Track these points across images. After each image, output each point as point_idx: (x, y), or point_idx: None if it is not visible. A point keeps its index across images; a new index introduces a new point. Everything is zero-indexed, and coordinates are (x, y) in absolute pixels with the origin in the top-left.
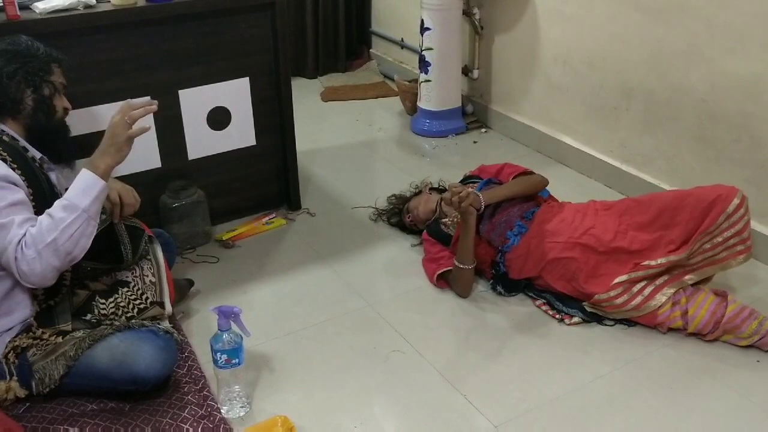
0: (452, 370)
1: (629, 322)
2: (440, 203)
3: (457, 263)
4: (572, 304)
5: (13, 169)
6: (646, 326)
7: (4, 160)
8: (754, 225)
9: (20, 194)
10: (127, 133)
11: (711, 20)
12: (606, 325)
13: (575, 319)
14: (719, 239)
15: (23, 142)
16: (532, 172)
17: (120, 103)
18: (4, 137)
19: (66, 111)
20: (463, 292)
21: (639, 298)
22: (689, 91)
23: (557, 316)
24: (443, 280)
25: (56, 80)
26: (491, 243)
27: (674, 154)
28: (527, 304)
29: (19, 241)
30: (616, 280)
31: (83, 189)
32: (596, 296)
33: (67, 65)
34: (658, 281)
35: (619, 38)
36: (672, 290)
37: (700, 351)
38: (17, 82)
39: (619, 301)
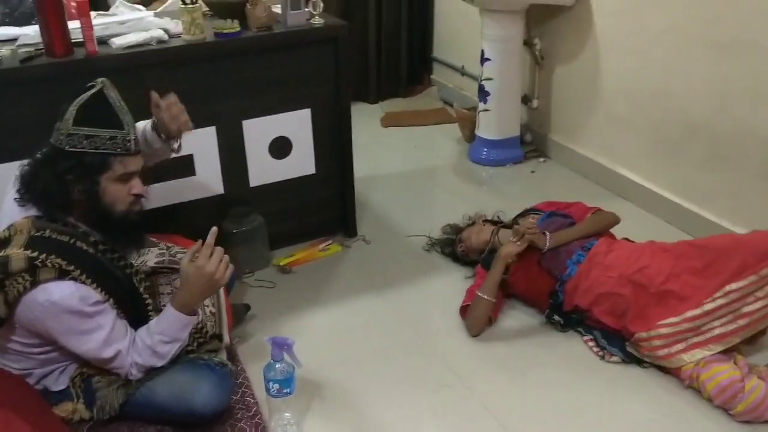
0: (500, 406)
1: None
2: (496, 233)
3: (478, 292)
4: (615, 342)
5: (88, 283)
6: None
7: (81, 279)
8: None
9: (111, 314)
10: (223, 280)
11: None
12: (644, 367)
13: (614, 358)
14: (761, 294)
15: (84, 228)
16: (602, 211)
17: (192, 248)
18: (78, 244)
19: (137, 197)
20: (472, 326)
21: (668, 351)
22: (755, 130)
23: (600, 353)
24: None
25: (115, 173)
26: (551, 272)
27: (737, 192)
28: (575, 341)
29: (128, 369)
30: (661, 322)
31: (183, 326)
32: (636, 335)
33: (136, 149)
34: (694, 339)
35: (684, 74)
36: (705, 353)
37: None
38: (67, 181)
39: (657, 343)
